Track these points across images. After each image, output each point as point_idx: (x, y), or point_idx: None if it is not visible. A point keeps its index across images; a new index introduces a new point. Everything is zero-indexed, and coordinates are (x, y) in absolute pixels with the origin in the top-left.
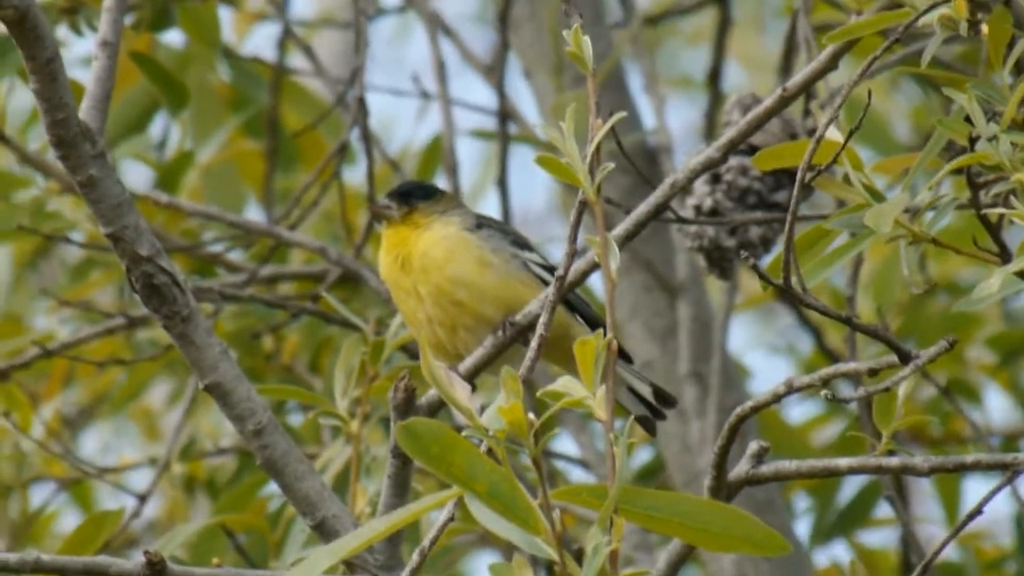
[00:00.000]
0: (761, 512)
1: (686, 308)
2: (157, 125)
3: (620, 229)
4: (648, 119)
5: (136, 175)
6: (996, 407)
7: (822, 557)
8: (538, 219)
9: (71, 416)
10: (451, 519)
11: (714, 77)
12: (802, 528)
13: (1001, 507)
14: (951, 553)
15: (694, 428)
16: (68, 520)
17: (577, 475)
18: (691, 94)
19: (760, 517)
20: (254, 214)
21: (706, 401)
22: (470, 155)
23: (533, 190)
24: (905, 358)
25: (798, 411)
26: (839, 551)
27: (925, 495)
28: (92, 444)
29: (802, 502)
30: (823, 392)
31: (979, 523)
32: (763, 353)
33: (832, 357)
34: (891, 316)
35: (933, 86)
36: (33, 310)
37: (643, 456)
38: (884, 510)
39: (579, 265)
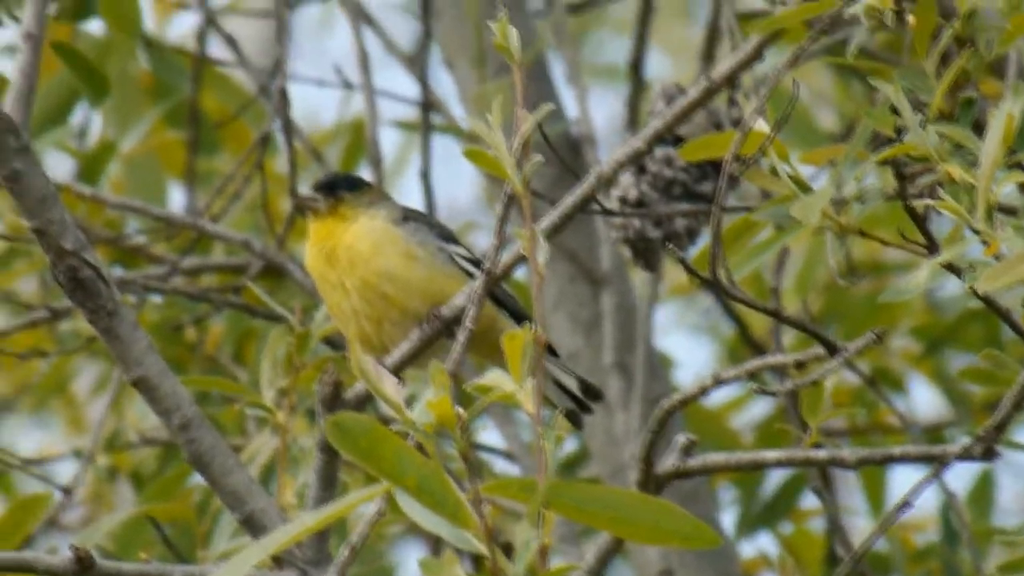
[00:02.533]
0: (687, 503)
1: (610, 299)
2: (78, 114)
3: (547, 222)
4: (571, 109)
5: (58, 164)
6: (921, 397)
7: (748, 548)
8: (464, 210)
9: None
10: (381, 514)
11: (636, 66)
12: (727, 519)
13: (927, 497)
14: (878, 544)
15: (619, 419)
16: None
17: (500, 466)
18: (615, 84)
19: (686, 508)
20: (177, 201)
21: (631, 392)
22: (391, 145)
23: (458, 181)
24: (832, 350)
25: (718, 394)
26: (765, 542)
27: (850, 485)
28: (14, 435)
29: (727, 493)
30: (750, 385)
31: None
32: (685, 335)
33: (756, 346)
34: (813, 298)
35: (854, 72)
36: None
37: (568, 447)
38: (810, 500)
39: (506, 258)
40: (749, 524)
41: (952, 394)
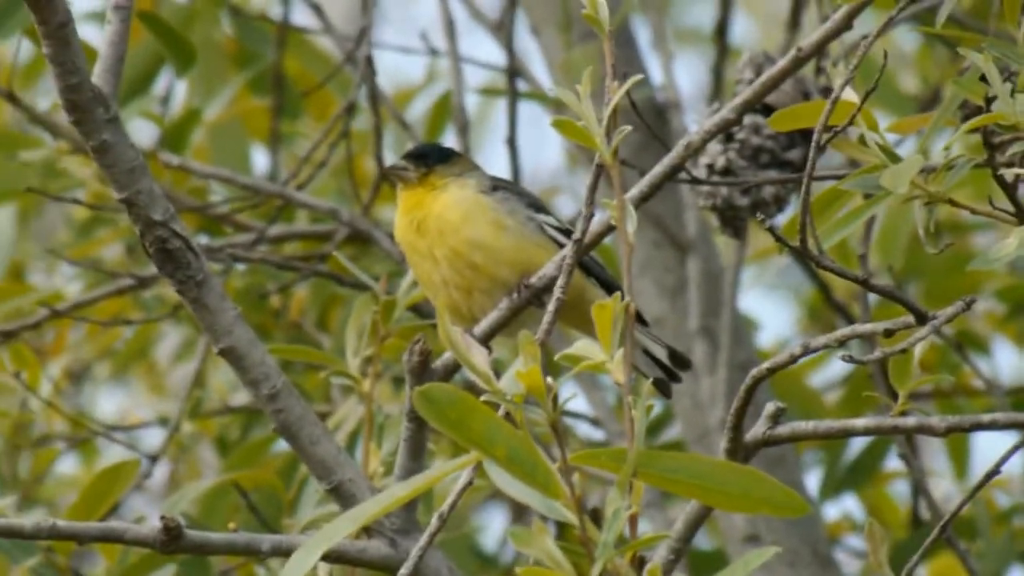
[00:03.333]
0: (773, 467)
1: (696, 264)
2: (161, 81)
3: (635, 191)
4: (656, 74)
5: (142, 132)
6: (1004, 359)
7: (832, 511)
8: (548, 176)
9: (76, 371)
10: (470, 483)
11: (721, 31)
12: (812, 481)
13: (1012, 461)
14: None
15: (705, 384)
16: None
17: (584, 430)
18: (699, 48)
19: (772, 472)
20: (261, 164)
21: (716, 357)
22: (474, 111)
23: (542, 146)
24: (922, 319)
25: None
26: (849, 505)
27: (934, 447)
28: (94, 399)
29: (811, 455)
30: (841, 354)
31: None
32: (764, 294)
33: (838, 308)
34: (894, 257)
35: (938, 36)
36: (33, 266)
37: (654, 411)
38: (893, 463)
39: (594, 227)
40: (834, 487)
41: None
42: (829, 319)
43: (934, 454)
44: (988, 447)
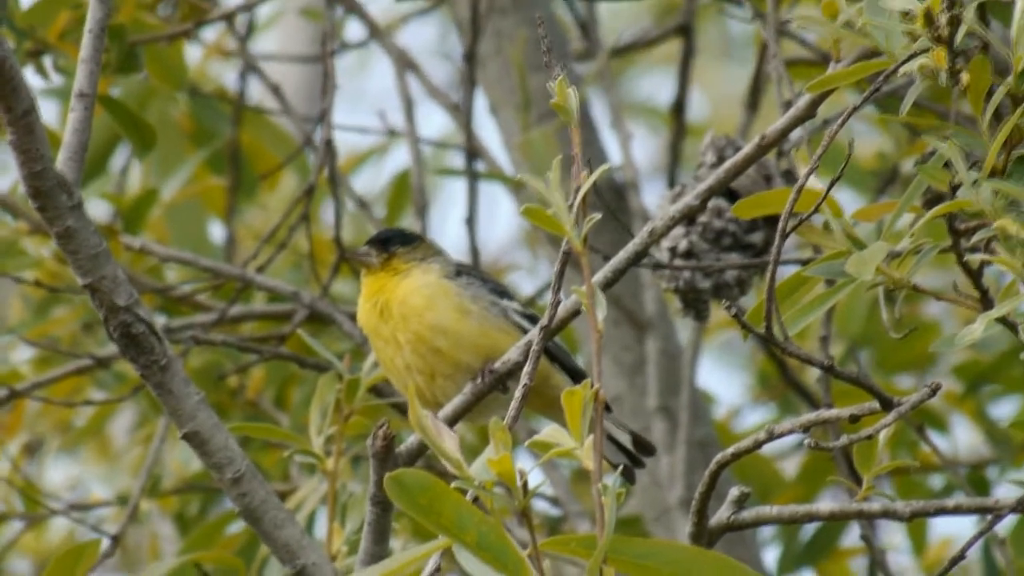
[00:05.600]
0: (732, 545)
1: (654, 343)
2: (117, 156)
3: (600, 276)
4: (612, 150)
5: (97, 208)
6: (961, 434)
7: None
8: (499, 250)
9: (33, 446)
10: (438, 569)
11: (679, 108)
12: (769, 557)
13: (968, 532)
14: None
15: (664, 463)
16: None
17: (540, 506)
18: (650, 123)
19: (731, 550)
20: (217, 235)
21: (675, 435)
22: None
23: (493, 222)
24: (887, 405)
25: (750, 417)
26: None
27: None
28: (46, 471)
29: (769, 530)
30: (806, 441)
31: (948, 552)
32: (712, 360)
33: (795, 386)
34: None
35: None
36: None
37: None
38: (851, 538)
39: (560, 313)
40: (792, 563)
41: (993, 433)
42: (781, 386)
43: (892, 527)
44: (945, 522)
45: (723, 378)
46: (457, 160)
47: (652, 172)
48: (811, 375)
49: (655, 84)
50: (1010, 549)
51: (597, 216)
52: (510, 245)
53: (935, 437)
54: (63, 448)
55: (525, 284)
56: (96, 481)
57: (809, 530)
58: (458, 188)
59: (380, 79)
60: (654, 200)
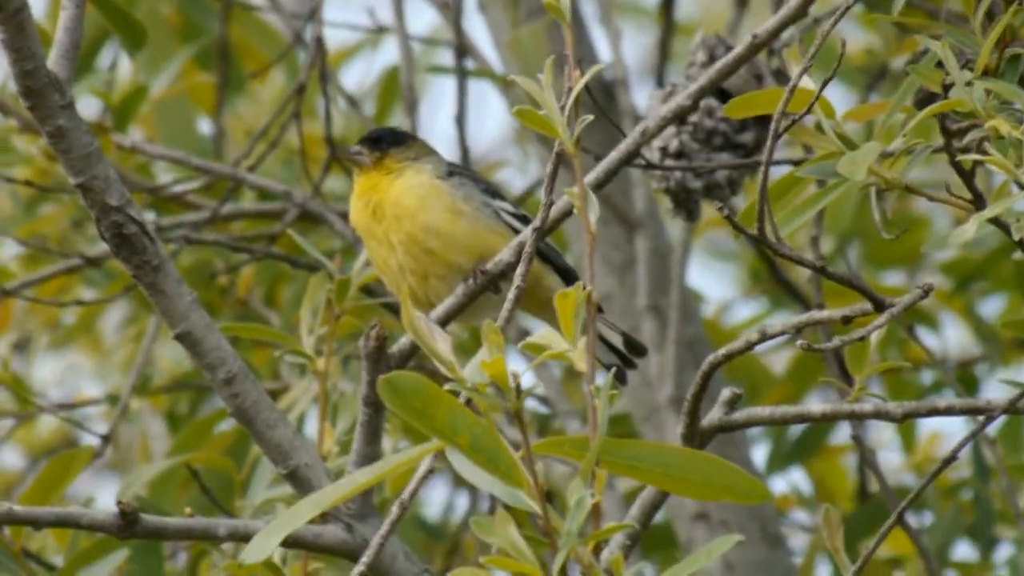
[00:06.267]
0: (721, 444)
1: (644, 241)
2: (105, 53)
3: (591, 177)
4: (602, 49)
5: (86, 106)
6: (950, 332)
7: (779, 483)
8: (488, 148)
9: (21, 343)
10: (431, 471)
11: (667, 6)
12: (759, 455)
13: (959, 430)
14: (908, 479)
15: (653, 362)
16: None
17: (529, 405)
18: (637, 21)
19: (720, 449)
20: (205, 130)
21: (665, 334)
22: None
23: (483, 120)
24: (879, 306)
25: (740, 312)
26: (796, 477)
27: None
28: (41, 373)
29: (758, 430)
30: (798, 343)
31: (937, 449)
32: (702, 257)
33: (785, 285)
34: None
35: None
36: None
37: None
38: (841, 436)
39: (552, 214)
40: (781, 461)
41: (981, 330)
42: (770, 281)
43: (881, 425)
44: (935, 419)
45: (712, 276)
46: (446, 57)
47: (641, 71)
48: (801, 272)
49: None
50: (1000, 448)
51: (589, 118)
52: (499, 142)
53: (924, 334)
54: (52, 346)
55: (515, 181)
56: (86, 378)
57: (798, 428)
58: (447, 85)
59: None
60: (643, 99)
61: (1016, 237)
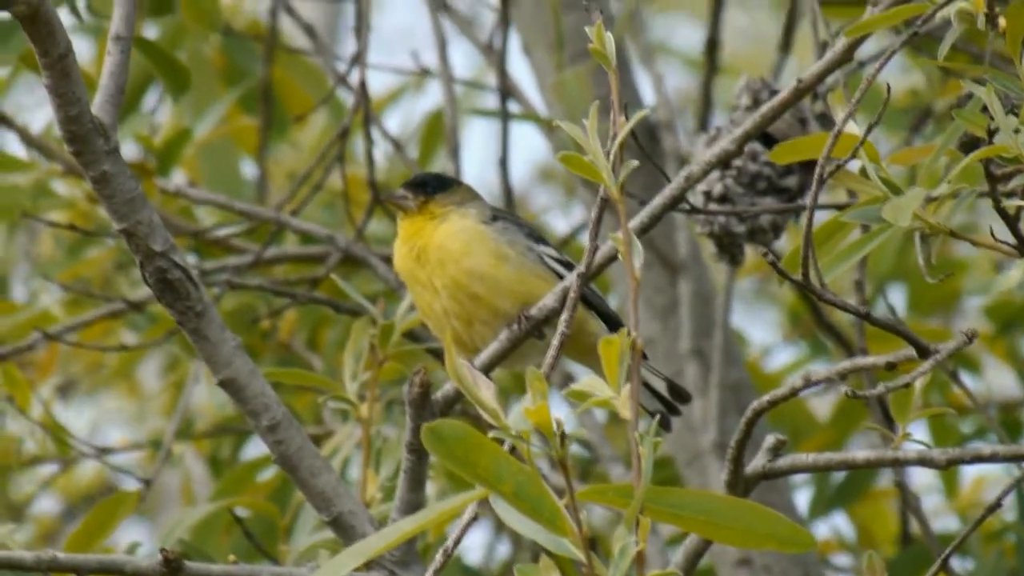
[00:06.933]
0: (763, 490)
1: (687, 285)
2: (149, 95)
3: (635, 222)
4: (644, 89)
5: (129, 149)
6: (993, 376)
7: (822, 527)
8: (520, 191)
9: (64, 389)
10: (475, 518)
11: (712, 48)
12: (801, 499)
13: (1002, 476)
14: (951, 524)
15: (696, 406)
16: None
17: (573, 448)
18: (681, 63)
19: (762, 495)
20: (249, 172)
21: (708, 378)
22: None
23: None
24: (924, 352)
25: (781, 357)
26: (838, 520)
27: None
28: (79, 417)
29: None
30: (844, 390)
31: (981, 494)
32: (741, 300)
33: (829, 329)
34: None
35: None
36: (14, 274)
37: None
38: (884, 480)
39: (597, 259)
40: (824, 506)
41: None
42: (811, 324)
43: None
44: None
45: (753, 319)
46: (490, 101)
47: (681, 107)
48: (843, 315)
49: (682, 29)
50: None
51: (634, 163)
52: (529, 185)
53: (967, 379)
54: (92, 391)
55: (557, 223)
56: (121, 424)
57: (841, 473)
58: (481, 126)
59: (393, 16)
60: (685, 138)
61: None
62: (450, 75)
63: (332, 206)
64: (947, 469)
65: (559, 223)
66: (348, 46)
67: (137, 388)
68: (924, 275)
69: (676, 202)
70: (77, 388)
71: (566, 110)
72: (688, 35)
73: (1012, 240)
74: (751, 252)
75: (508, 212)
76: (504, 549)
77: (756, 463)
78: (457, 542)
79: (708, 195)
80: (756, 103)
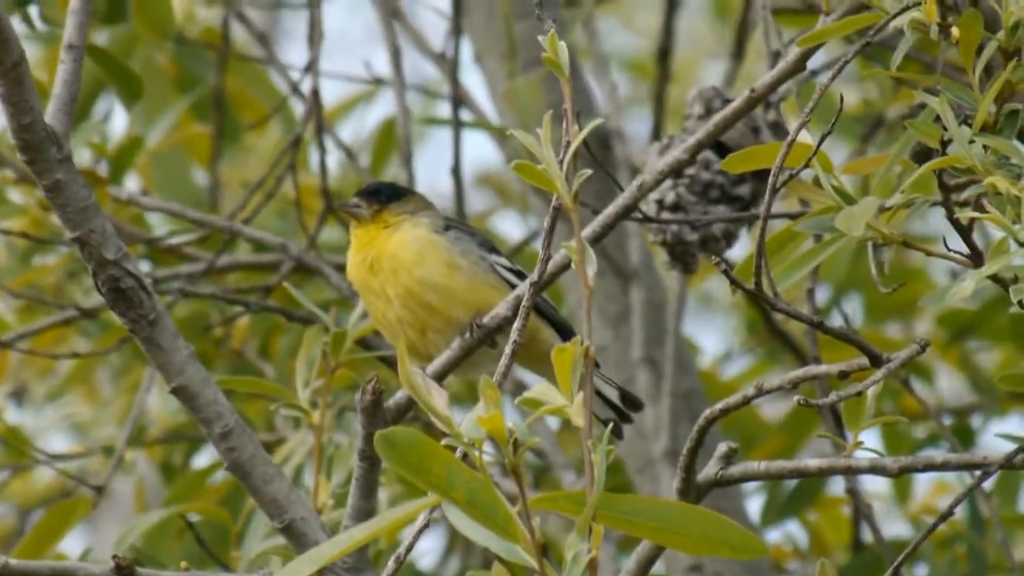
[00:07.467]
0: (715, 497)
1: (639, 293)
2: (100, 103)
3: (588, 231)
4: (596, 95)
5: (81, 156)
6: (944, 382)
7: (773, 533)
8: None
9: (16, 394)
10: (426, 525)
11: (663, 57)
12: (753, 506)
13: (953, 483)
14: (903, 530)
15: (648, 414)
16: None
17: (526, 456)
18: (633, 73)
19: (714, 502)
20: (201, 180)
21: (660, 386)
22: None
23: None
24: (876, 361)
25: (736, 366)
26: (792, 528)
27: None
28: (39, 424)
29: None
30: (796, 398)
31: (932, 502)
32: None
33: (780, 335)
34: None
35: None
36: None
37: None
38: (836, 487)
39: (549, 268)
40: (776, 513)
41: (978, 381)
42: (766, 333)
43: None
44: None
45: (707, 327)
46: (443, 109)
47: (635, 119)
48: (797, 324)
49: (625, 36)
50: (995, 500)
51: (587, 172)
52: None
53: (919, 386)
54: (50, 397)
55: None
56: (77, 430)
57: (793, 480)
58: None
59: (330, 19)
60: (637, 142)
61: (1015, 299)
62: (402, 83)
63: (285, 215)
64: (899, 477)
65: (503, 227)
66: (289, 52)
67: (96, 394)
68: (877, 284)
69: (629, 211)
70: (31, 394)
71: (518, 118)
72: (624, 41)
73: (965, 250)
74: (703, 259)
75: (461, 222)
76: (457, 556)
77: (708, 471)
78: (409, 548)
79: (661, 203)
80: (709, 112)
